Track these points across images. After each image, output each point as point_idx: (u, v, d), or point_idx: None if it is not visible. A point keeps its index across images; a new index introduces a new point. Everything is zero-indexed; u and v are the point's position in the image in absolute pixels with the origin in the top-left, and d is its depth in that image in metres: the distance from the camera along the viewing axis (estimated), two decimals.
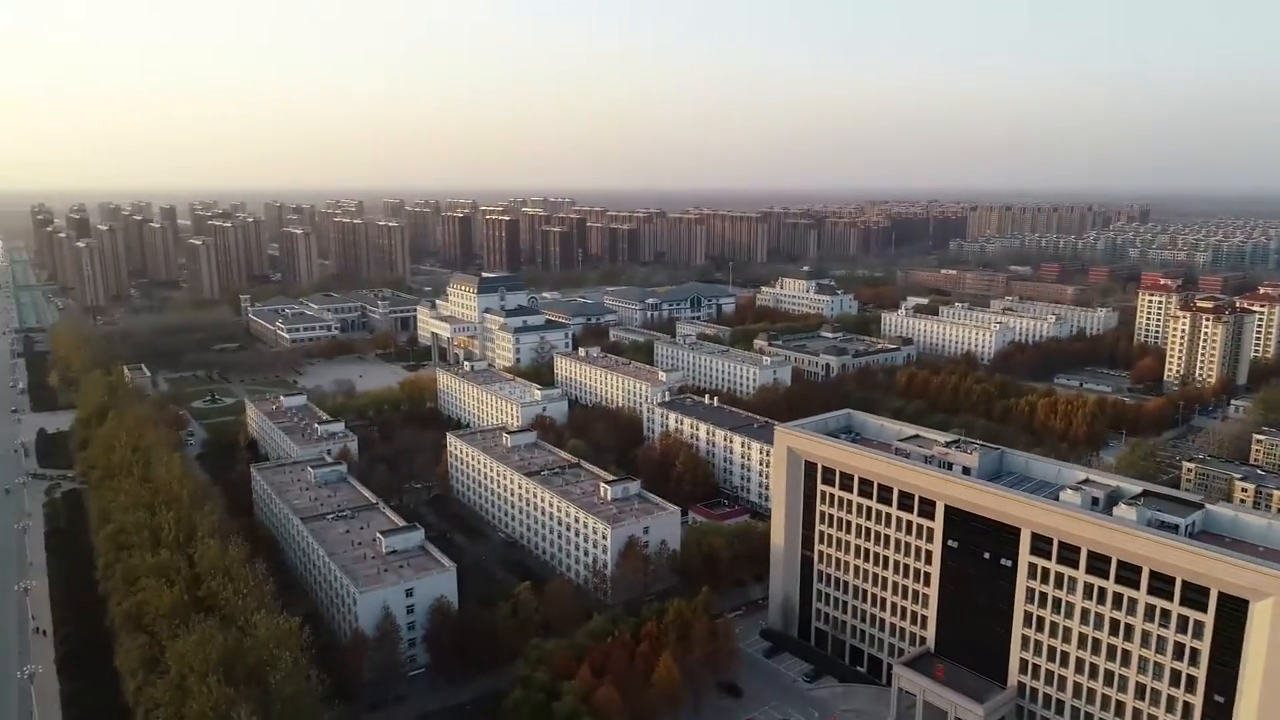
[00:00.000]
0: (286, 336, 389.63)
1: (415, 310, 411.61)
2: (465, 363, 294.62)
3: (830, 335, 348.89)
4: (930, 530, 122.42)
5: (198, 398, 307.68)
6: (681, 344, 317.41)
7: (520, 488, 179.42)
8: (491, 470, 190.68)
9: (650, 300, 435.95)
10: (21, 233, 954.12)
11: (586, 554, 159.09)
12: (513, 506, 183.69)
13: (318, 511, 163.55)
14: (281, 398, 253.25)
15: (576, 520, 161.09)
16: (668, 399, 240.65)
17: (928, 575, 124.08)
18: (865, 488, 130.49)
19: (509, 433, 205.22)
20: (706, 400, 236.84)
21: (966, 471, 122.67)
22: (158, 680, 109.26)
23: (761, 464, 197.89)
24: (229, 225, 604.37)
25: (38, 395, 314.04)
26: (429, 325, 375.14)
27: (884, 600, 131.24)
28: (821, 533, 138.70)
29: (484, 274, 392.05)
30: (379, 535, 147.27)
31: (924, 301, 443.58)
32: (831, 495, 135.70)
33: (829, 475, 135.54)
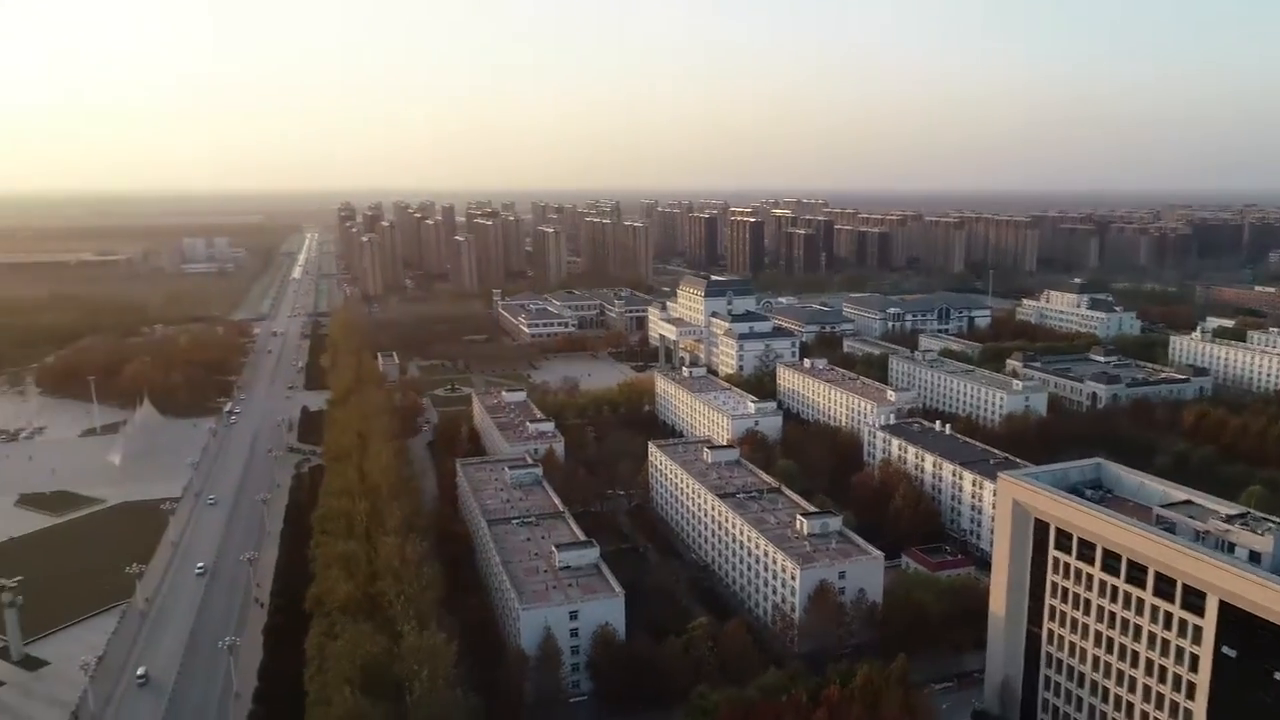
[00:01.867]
0: (527, 331, 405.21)
1: (647, 310, 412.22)
2: (685, 368, 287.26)
3: (1101, 359, 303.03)
4: (1198, 629, 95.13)
5: (439, 385, 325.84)
6: (920, 360, 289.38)
7: (713, 509, 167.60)
8: (687, 487, 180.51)
9: (892, 309, 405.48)
10: (334, 228, 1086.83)
11: (775, 592, 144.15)
12: (705, 528, 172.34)
13: (504, 514, 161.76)
14: (503, 393, 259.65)
15: (765, 554, 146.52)
16: (892, 422, 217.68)
17: (1191, 685, 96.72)
18: (1111, 562, 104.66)
19: (710, 448, 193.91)
20: (939, 427, 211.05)
21: (1255, 558, 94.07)
22: (317, 674, 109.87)
23: (996, 508, 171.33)
24: (490, 224, 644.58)
25: (311, 374, 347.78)
26: (658, 327, 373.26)
27: (1131, 705, 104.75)
28: (1053, 608, 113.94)
29: (713, 276, 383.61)
30: (554, 548, 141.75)
31: (1229, 324, 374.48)
32: (1067, 565, 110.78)
33: (1064, 540, 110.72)
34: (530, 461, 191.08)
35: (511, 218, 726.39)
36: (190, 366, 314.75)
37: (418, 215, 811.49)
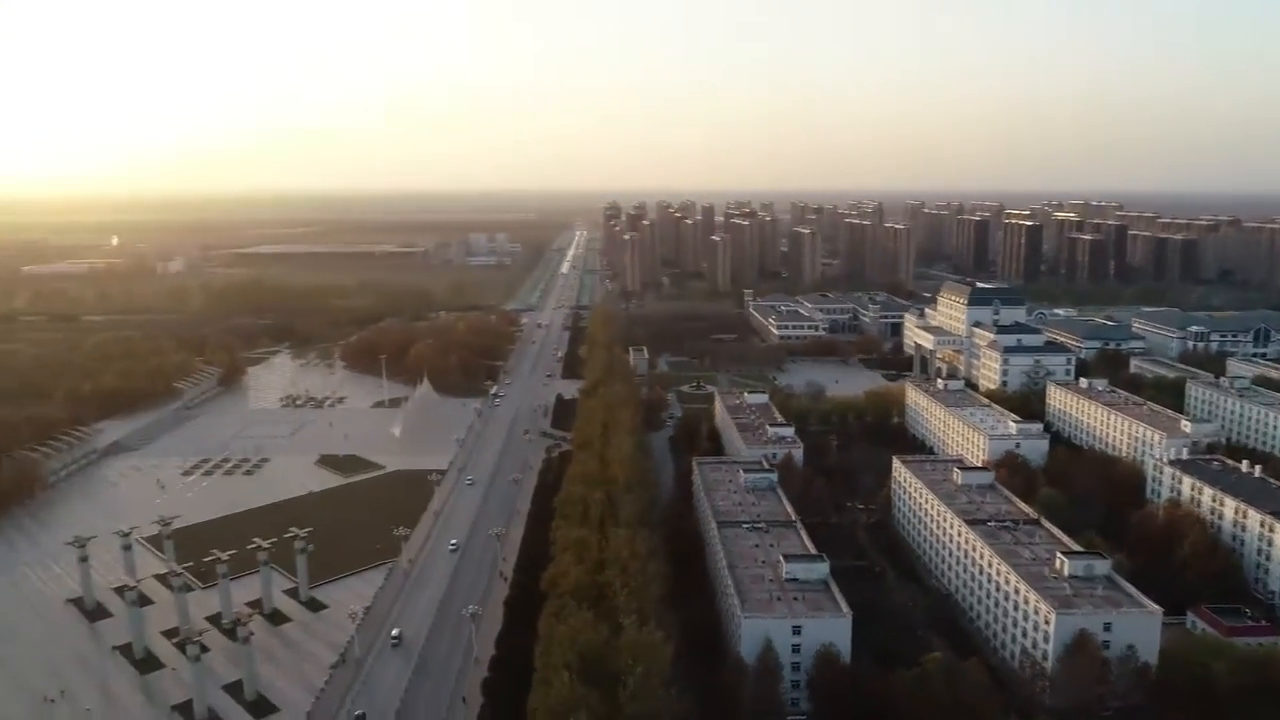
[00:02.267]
0: (776, 332, 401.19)
1: (904, 317, 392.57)
2: (940, 380, 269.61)
3: None
4: None
5: (685, 382, 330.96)
6: (1227, 387, 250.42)
7: (960, 536, 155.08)
8: (932, 508, 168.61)
9: (1194, 328, 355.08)
10: (601, 225, 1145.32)
11: (1025, 635, 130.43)
12: (950, 555, 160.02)
13: (735, 518, 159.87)
14: (745, 394, 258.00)
15: (1016, 592, 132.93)
16: (1186, 457, 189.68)
17: None
18: None
19: (961, 468, 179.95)
20: (1245, 468, 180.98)
21: None
22: (543, 654, 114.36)
23: None
24: (746, 224, 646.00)
25: (569, 364, 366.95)
26: (914, 334, 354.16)
27: None
28: None
29: (979, 284, 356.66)
30: (782, 559, 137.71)
31: None
32: None
33: None
34: (766, 466, 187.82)
35: (768, 218, 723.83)
36: (465, 350, 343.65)
37: (678, 215, 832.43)
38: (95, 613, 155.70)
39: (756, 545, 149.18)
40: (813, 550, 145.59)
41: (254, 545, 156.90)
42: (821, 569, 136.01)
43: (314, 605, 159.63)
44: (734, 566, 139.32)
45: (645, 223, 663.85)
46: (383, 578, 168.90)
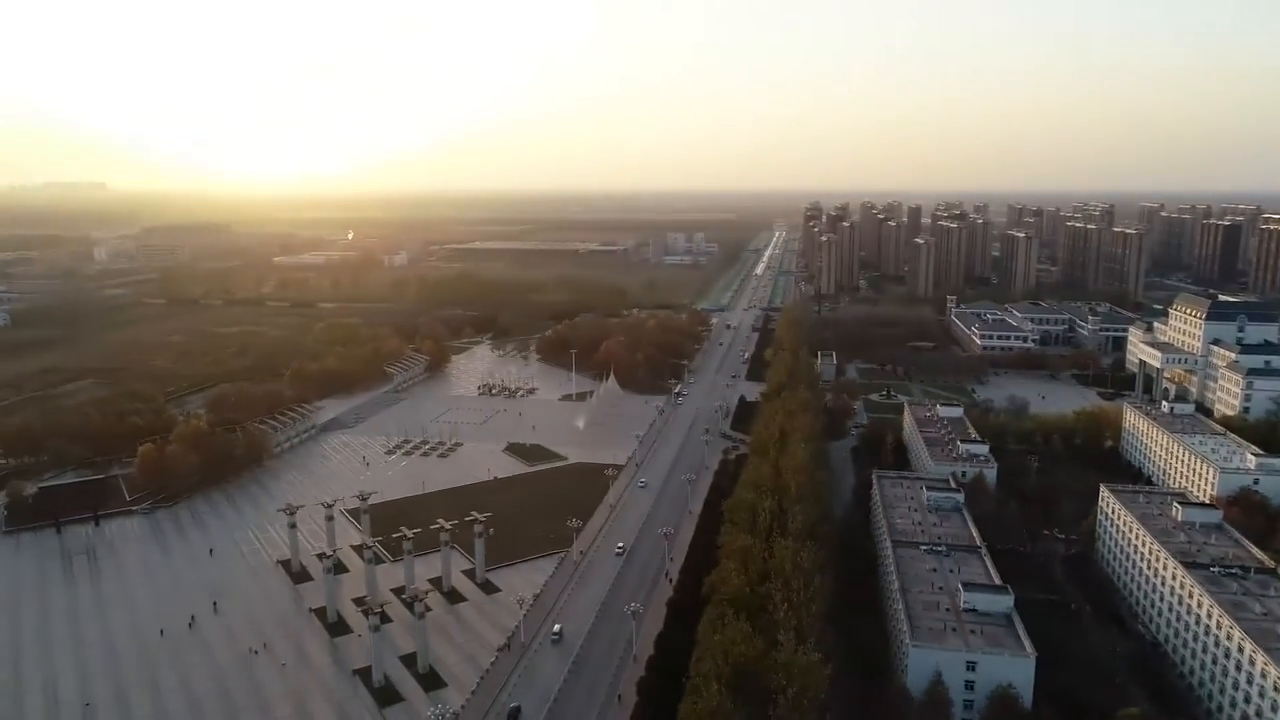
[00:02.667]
0: (979, 342, 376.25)
1: (1128, 330, 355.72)
2: (1166, 402, 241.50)
3: None
4: None
5: (875, 390, 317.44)
6: None
7: (1174, 579, 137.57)
8: (1143, 545, 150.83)
9: None
10: (801, 226, 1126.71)
11: (1247, 701, 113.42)
12: (1161, 600, 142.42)
13: (913, 538, 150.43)
14: (938, 406, 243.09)
15: (1240, 650, 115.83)
16: None
17: None
18: None
19: (1183, 504, 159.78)
20: None
21: None
22: (699, 661, 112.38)
23: None
24: (954, 226, 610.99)
25: (755, 366, 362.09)
26: (1138, 350, 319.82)
27: None
28: None
29: (1221, 296, 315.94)
30: (961, 587, 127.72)
31: None
32: None
33: None
34: (953, 485, 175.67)
35: (980, 220, 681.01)
36: (652, 348, 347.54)
37: (880, 216, 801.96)
38: (299, 575, 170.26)
39: (934, 570, 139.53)
40: (997, 580, 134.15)
41: (437, 526, 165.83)
42: (1004, 601, 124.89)
43: (488, 588, 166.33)
44: (906, 590, 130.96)
45: (845, 224, 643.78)
46: (554, 566, 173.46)
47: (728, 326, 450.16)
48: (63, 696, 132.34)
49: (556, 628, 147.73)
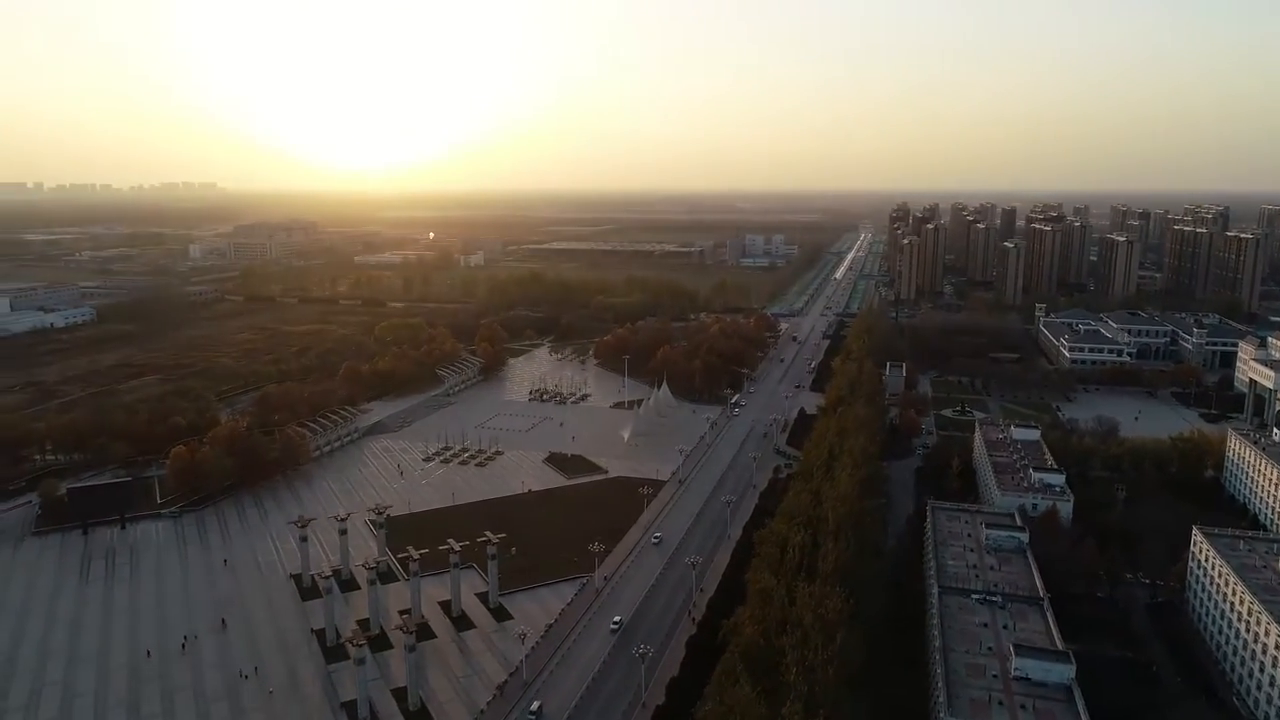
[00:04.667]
0: (1067, 355, 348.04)
1: (1238, 345, 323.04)
2: (1278, 430, 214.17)
3: None
4: None
5: (949, 405, 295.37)
6: None
7: (1277, 650, 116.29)
8: (1241, 601, 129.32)
9: None
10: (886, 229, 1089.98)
11: None
12: (1261, 671, 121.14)
13: (964, 583, 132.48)
14: (1013, 426, 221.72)
15: None
16: None
17: None
18: None
19: None
20: None
21: None
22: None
23: None
24: (1048, 229, 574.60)
25: (821, 375, 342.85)
26: (1249, 368, 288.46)
27: None
28: None
29: None
30: (1012, 649, 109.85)
31: None
32: None
33: None
34: (1017, 522, 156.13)
35: (1078, 223, 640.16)
36: (711, 355, 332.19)
37: (970, 218, 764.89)
38: (309, 591, 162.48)
39: (985, 624, 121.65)
40: (1058, 640, 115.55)
41: (445, 547, 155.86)
42: (1064, 671, 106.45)
43: (500, 614, 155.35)
44: (949, 649, 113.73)
45: (930, 226, 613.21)
46: (573, 594, 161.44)
47: (797, 333, 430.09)
48: (43, 715, 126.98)
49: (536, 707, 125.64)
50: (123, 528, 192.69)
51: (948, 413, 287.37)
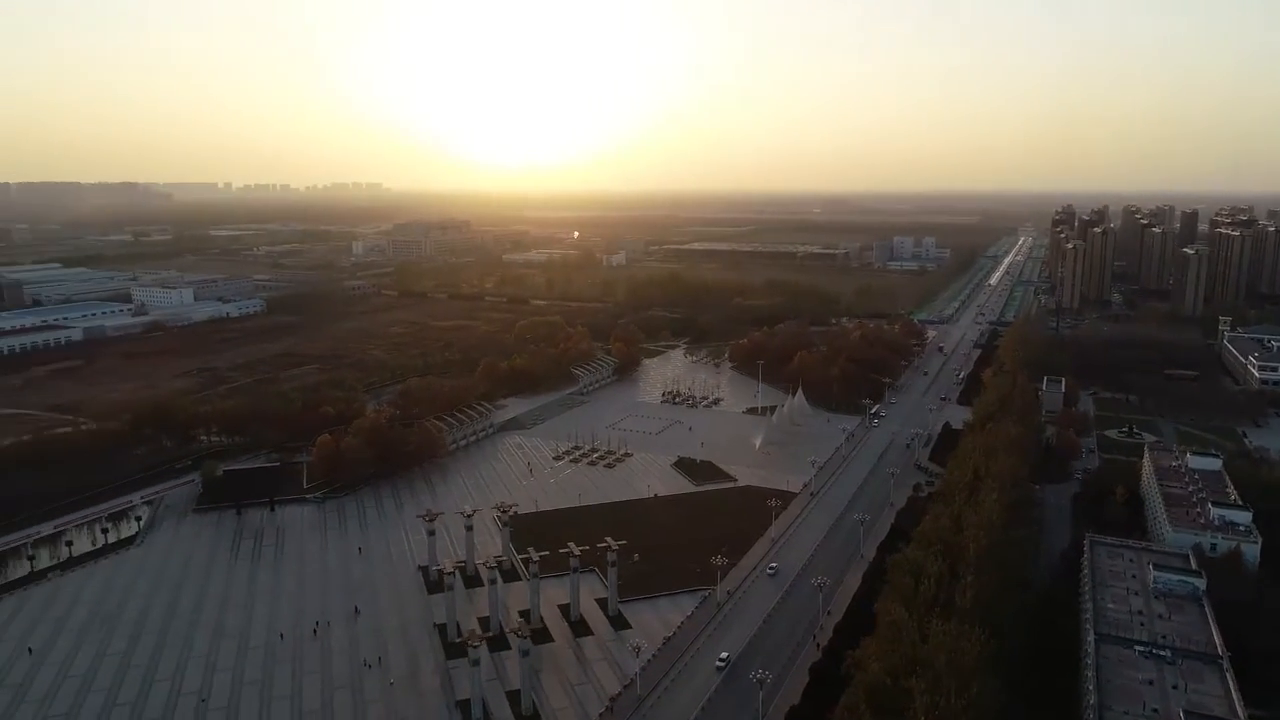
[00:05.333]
0: (1257, 374, 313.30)
1: None
2: None
3: None
4: None
5: (1114, 426, 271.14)
6: None
7: None
8: None
9: None
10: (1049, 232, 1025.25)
11: None
12: None
13: (1127, 632, 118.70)
14: (1189, 454, 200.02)
15: None
16: None
17: None
18: None
19: None
20: None
21: None
22: None
23: None
24: (1236, 234, 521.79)
25: (970, 387, 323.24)
26: None
27: None
28: None
29: None
30: (1183, 714, 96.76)
31: None
32: None
33: None
34: (1192, 564, 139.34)
35: (1272, 228, 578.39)
36: (851, 363, 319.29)
37: (1144, 221, 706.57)
38: (434, 585, 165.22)
39: (1150, 681, 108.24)
40: (1239, 707, 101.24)
41: (565, 550, 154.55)
42: None
43: (618, 622, 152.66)
44: (1106, 707, 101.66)
45: (1098, 229, 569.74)
46: (693, 607, 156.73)
47: (939, 349, 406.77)
48: (186, 686, 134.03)
49: None
50: (272, 510, 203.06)
51: (1112, 434, 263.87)
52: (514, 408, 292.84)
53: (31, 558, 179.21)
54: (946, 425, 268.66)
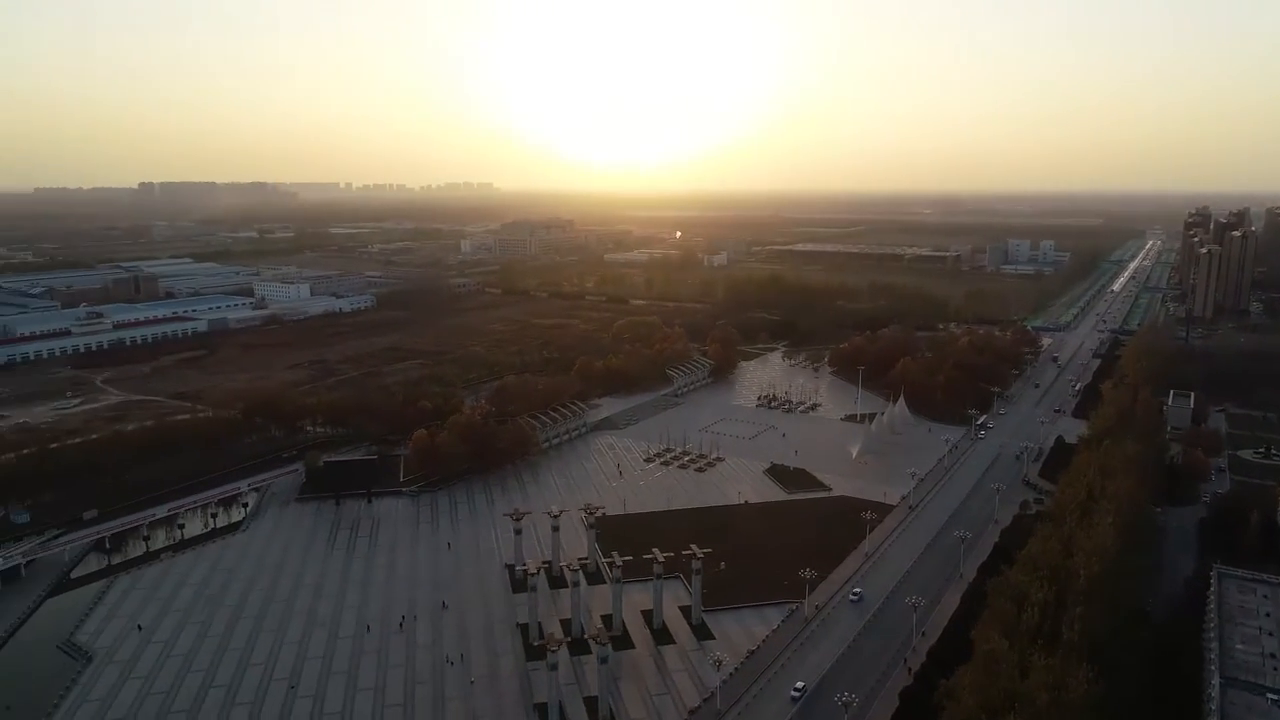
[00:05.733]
0: None
1: None
2: None
3: None
4: None
5: (1250, 446, 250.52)
6: None
7: None
8: None
9: None
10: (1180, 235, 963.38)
11: None
12: None
13: (1257, 678, 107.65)
14: None
15: None
16: None
17: None
18: None
19: None
20: None
21: None
22: None
23: None
24: None
25: (1087, 399, 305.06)
26: None
27: None
28: None
29: None
30: None
31: None
32: None
33: None
34: None
35: None
36: (957, 371, 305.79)
37: None
38: (519, 584, 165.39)
39: None
40: None
41: (650, 556, 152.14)
42: None
43: (701, 631, 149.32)
44: None
45: (1236, 233, 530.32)
46: (779, 621, 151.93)
47: (1053, 359, 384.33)
48: (277, 673, 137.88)
49: None
50: (369, 502, 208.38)
51: (1247, 454, 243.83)
52: (608, 407, 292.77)
53: (147, 538, 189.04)
54: (1060, 440, 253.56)
